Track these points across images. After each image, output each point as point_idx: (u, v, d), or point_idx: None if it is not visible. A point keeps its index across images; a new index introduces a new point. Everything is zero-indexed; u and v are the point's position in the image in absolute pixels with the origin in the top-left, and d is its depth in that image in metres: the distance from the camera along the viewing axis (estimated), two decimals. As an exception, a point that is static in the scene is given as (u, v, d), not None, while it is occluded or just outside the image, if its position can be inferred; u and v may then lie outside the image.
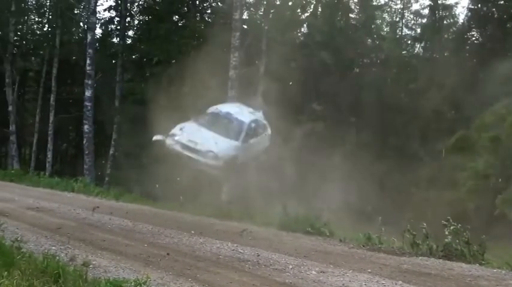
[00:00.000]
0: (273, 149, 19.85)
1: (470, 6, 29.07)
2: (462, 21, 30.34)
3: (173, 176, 17.55)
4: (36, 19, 37.73)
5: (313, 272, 7.16)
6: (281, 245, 9.20)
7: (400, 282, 6.75)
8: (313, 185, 20.23)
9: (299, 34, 31.76)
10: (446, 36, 30.85)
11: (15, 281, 5.44)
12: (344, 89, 28.19)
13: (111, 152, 27.87)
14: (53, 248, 8.02)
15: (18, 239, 7.18)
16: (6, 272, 5.69)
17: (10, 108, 31.41)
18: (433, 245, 8.85)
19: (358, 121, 27.67)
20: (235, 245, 8.93)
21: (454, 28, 30.61)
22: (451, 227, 8.80)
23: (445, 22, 30.32)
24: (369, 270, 7.35)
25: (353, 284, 6.60)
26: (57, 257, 6.50)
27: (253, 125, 16.38)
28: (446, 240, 8.66)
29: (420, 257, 8.43)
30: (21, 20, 35.08)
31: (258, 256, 8.11)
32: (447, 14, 30.08)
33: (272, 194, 17.34)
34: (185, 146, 14.65)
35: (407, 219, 11.77)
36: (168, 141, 14.93)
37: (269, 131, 17.31)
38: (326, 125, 25.55)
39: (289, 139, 22.69)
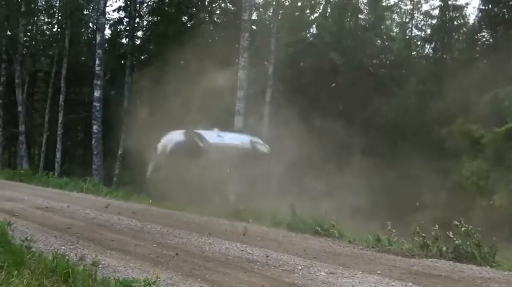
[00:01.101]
0: (281, 149, 19.82)
1: (481, 6, 28.86)
2: (473, 21, 30.15)
3: (182, 177, 17.66)
4: (46, 20, 38.09)
5: (323, 273, 7.12)
6: (290, 246, 9.17)
7: (410, 284, 6.70)
8: (321, 187, 20.18)
9: (308, 35, 31.73)
10: (456, 37, 30.68)
11: (25, 281, 5.47)
12: (353, 90, 28.12)
13: (119, 152, 27.94)
14: (62, 247, 8.05)
15: (28, 238, 7.19)
16: (16, 271, 5.73)
17: (19, 108, 31.60)
18: (443, 247, 8.80)
19: (367, 123, 27.56)
20: (244, 245, 8.92)
21: (464, 29, 30.39)
22: (462, 229, 8.74)
23: (455, 23, 30.13)
24: (379, 271, 7.31)
25: (363, 286, 6.56)
26: (67, 257, 6.53)
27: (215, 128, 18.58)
28: (456, 242, 8.59)
29: (430, 259, 8.37)
30: (31, 20, 35.33)
31: (267, 256, 8.09)
32: (457, 14, 29.88)
33: (281, 195, 17.31)
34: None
35: (416, 221, 11.71)
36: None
37: (246, 137, 19.06)
38: (334, 126, 25.47)
39: (297, 140, 22.64)
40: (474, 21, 29.95)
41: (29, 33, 35.79)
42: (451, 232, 8.79)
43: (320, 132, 24.12)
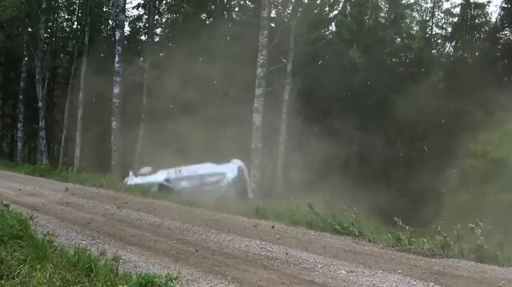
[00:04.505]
0: (300, 147, 19.74)
1: (504, 5, 28.46)
2: (495, 20, 29.74)
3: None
4: (66, 17, 38.36)
5: (343, 271, 7.09)
6: (309, 244, 9.14)
7: (432, 283, 6.66)
8: (340, 186, 20.12)
9: (327, 32, 31.61)
10: (478, 35, 30.24)
11: (48, 274, 5.53)
12: (371, 88, 27.96)
13: (138, 148, 28.05)
14: (84, 242, 8.12)
15: (50, 233, 7.28)
16: (39, 265, 5.80)
17: (40, 104, 31.95)
18: (465, 247, 8.70)
19: (386, 121, 27.37)
20: (264, 243, 8.91)
21: (486, 27, 29.94)
22: (481, 229, 8.64)
23: (476, 21, 29.70)
24: (399, 271, 7.26)
25: (384, 285, 6.53)
26: (88, 252, 6.56)
27: None
28: (478, 242, 8.48)
29: (451, 259, 8.28)
30: (52, 17, 35.62)
31: (287, 254, 8.08)
32: (479, 12, 29.45)
33: (299, 192, 17.29)
34: None
35: (437, 221, 11.60)
36: None
37: None
38: (353, 124, 25.38)
39: (316, 137, 22.59)
40: (496, 20, 29.56)
41: (49, 30, 36.16)
42: (476, 231, 8.66)
43: (338, 130, 24.03)
